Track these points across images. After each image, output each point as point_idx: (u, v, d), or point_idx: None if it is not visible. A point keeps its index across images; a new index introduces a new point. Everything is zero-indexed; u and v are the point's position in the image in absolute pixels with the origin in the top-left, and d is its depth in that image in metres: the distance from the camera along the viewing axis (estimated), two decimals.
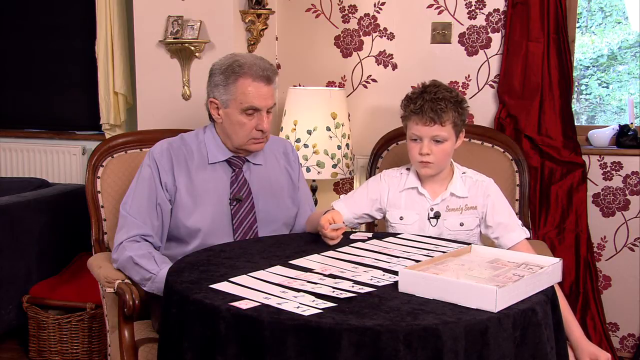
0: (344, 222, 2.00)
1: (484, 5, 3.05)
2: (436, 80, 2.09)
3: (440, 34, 3.12)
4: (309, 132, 2.85)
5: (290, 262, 1.73)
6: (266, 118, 2.07)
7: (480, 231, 2.13)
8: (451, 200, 2.09)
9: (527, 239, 2.07)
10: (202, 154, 2.14)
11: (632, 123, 3.04)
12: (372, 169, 2.73)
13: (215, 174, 2.13)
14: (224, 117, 2.09)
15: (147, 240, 2.06)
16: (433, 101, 1.99)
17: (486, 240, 2.17)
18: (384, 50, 3.21)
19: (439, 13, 3.11)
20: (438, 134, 2.00)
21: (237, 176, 2.15)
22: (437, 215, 2.09)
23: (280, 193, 2.22)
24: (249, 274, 1.61)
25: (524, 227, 2.08)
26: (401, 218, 2.12)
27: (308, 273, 1.63)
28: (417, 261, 1.71)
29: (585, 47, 3.31)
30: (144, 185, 2.09)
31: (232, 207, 2.11)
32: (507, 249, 2.02)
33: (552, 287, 1.57)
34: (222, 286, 1.52)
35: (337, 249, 1.87)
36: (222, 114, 2.09)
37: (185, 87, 3.06)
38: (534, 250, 2.00)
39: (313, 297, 1.44)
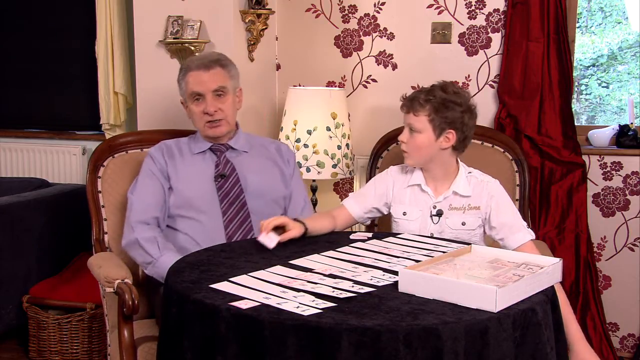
0: (272, 233, 1.90)
1: (484, 5, 3.05)
2: (451, 84, 2.10)
3: (440, 34, 3.12)
4: (309, 132, 2.85)
5: (290, 262, 1.73)
6: (212, 101, 2.24)
7: (485, 232, 2.13)
8: (454, 199, 2.09)
9: (532, 240, 2.06)
10: (190, 148, 2.34)
11: (632, 123, 3.04)
12: (372, 169, 2.73)
13: (201, 160, 2.31)
14: (188, 112, 2.33)
15: (156, 220, 2.21)
16: (419, 92, 2.07)
17: (489, 241, 2.17)
18: (384, 50, 3.21)
19: (439, 13, 3.11)
20: (411, 123, 2.06)
21: (220, 158, 2.30)
22: (439, 213, 2.09)
23: (268, 173, 2.34)
24: (249, 274, 1.61)
25: (529, 229, 2.07)
26: (404, 214, 2.14)
27: (308, 273, 1.63)
28: (417, 261, 1.71)
29: (585, 47, 3.31)
30: (146, 174, 2.26)
31: (217, 182, 2.26)
32: (512, 250, 2.01)
33: (552, 287, 1.57)
34: (222, 286, 1.52)
35: (337, 249, 1.87)
36: (187, 111, 2.33)
37: None
38: (539, 252, 1.98)
39: (313, 297, 1.44)
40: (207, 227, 2.20)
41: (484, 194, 2.09)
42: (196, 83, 2.25)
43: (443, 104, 2.02)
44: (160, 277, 2.03)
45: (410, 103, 2.06)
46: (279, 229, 1.91)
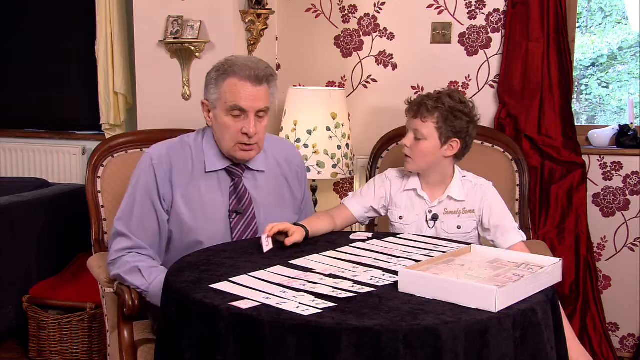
0: (270, 239, 1.86)
1: (484, 5, 3.05)
2: (457, 91, 2.11)
3: (440, 34, 3.12)
4: (309, 132, 2.85)
5: (290, 262, 1.73)
6: (254, 121, 1.95)
7: (479, 234, 2.14)
8: (449, 203, 2.11)
9: (523, 242, 2.07)
10: (201, 161, 2.05)
11: (632, 123, 3.04)
12: (372, 169, 2.73)
13: (213, 184, 2.05)
14: (213, 119, 2.01)
15: (138, 253, 1.98)
16: (426, 98, 2.05)
17: (485, 243, 2.17)
18: (384, 50, 3.21)
19: (439, 13, 3.11)
20: (417, 129, 2.05)
21: (236, 186, 2.06)
22: (435, 218, 2.10)
23: (282, 202, 2.15)
24: (249, 274, 1.61)
25: (520, 231, 2.09)
26: (400, 217, 2.15)
27: (308, 273, 1.63)
28: (417, 261, 1.71)
29: (585, 47, 3.31)
30: (140, 196, 2.00)
31: (231, 220, 2.03)
32: None
33: (552, 287, 1.57)
34: (222, 286, 1.52)
35: (337, 249, 1.87)
36: (212, 116, 2.02)
37: (185, 87, 3.06)
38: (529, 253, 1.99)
39: (313, 297, 1.44)
40: None
41: (477, 197, 2.11)
42: (242, 97, 1.93)
43: (452, 112, 2.03)
44: (158, 303, 1.78)
45: (418, 108, 2.04)
46: (282, 234, 1.91)
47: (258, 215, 2.05)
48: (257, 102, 1.96)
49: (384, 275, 1.62)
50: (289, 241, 1.87)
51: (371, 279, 1.58)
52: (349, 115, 3.02)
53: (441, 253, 1.76)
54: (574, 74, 3.07)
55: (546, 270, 1.55)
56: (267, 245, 1.84)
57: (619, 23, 3.28)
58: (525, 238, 2.09)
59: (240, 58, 2.02)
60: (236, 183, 2.06)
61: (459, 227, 2.10)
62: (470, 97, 3.03)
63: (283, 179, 2.18)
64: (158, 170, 2.00)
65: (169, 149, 2.06)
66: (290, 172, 2.21)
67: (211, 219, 2.02)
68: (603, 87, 3.33)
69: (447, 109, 2.02)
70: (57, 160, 3.92)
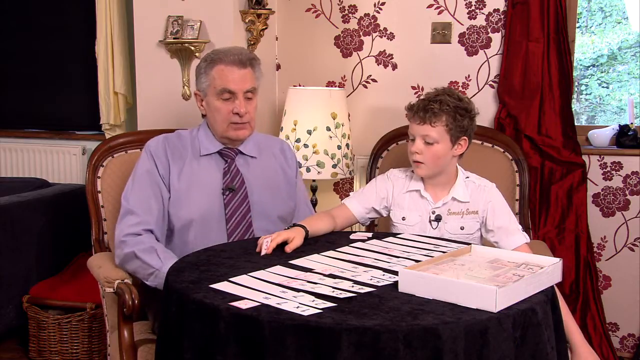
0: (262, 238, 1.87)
1: (484, 5, 3.05)
2: (451, 89, 2.11)
3: (440, 34, 3.12)
4: (309, 132, 2.85)
5: (290, 262, 1.73)
6: (243, 102, 2.10)
7: (481, 235, 2.14)
8: (453, 204, 2.10)
9: (527, 243, 2.07)
10: (195, 147, 2.19)
11: (632, 123, 3.04)
12: (372, 169, 2.73)
13: (207, 165, 2.17)
14: (206, 107, 2.16)
15: (149, 232, 2.06)
16: (428, 101, 2.04)
17: (486, 244, 2.17)
18: (384, 50, 3.21)
19: (439, 13, 3.11)
20: (427, 134, 2.03)
21: (229, 167, 2.17)
22: (438, 218, 2.10)
23: (275, 186, 2.24)
24: (249, 274, 1.61)
25: (524, 232, 2.09)
26: (403, 218, 2.15)
27: (308, 273, 1.63)
28: (417, 261, 1.71)
29: (585, 47, 3.31)
30: (143, 177, 2.11)
31: (224, 196, 2.13)
32: None
33: (552, 287, 1.57)
34: (222, 286, 1.52)
35: (337, 249, 1.87)
36: (205, 104, 2.16)
37: (185, 87, 3.06)
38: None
39: (313, 297, 1.44)
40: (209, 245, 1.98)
41: (481, 199, 2.11)
42: (229, 80, 2.09)
43: (457, 112, 2.03)
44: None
45: (425, 114, 2.02)
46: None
47: (250, 195, 2.16)
48: (243, 83, 2.10)
49: (384, 275, 1.62)
50: (289, 248, 1.86)
51: (371, 279, 1.58)
52: (349, 115, 3.02)
53: (441, 253, 1.77)
54: (574, 74, 3.07)
55: (546, 270, 1.55)
56: (265, 250, 1.84)
57: (619, 23, 3.28)
58: (529, 240, 2.08)
59: (224, 48, 2.19)
60: (229, 164, 2.18)
61: (462, 228, 2.10)
62: (470, 97, 3.04)
63: (279, 169, 2.29)
64: (156, 154, 2.14)
65: (166, 137, 2.21)
66: (286, 162, 2.32)
67: (206, 195, 2.12)
68: (603, 87, 3.33)
69: (452, 109, 2.02)
70: (57, 160, 3.92)
